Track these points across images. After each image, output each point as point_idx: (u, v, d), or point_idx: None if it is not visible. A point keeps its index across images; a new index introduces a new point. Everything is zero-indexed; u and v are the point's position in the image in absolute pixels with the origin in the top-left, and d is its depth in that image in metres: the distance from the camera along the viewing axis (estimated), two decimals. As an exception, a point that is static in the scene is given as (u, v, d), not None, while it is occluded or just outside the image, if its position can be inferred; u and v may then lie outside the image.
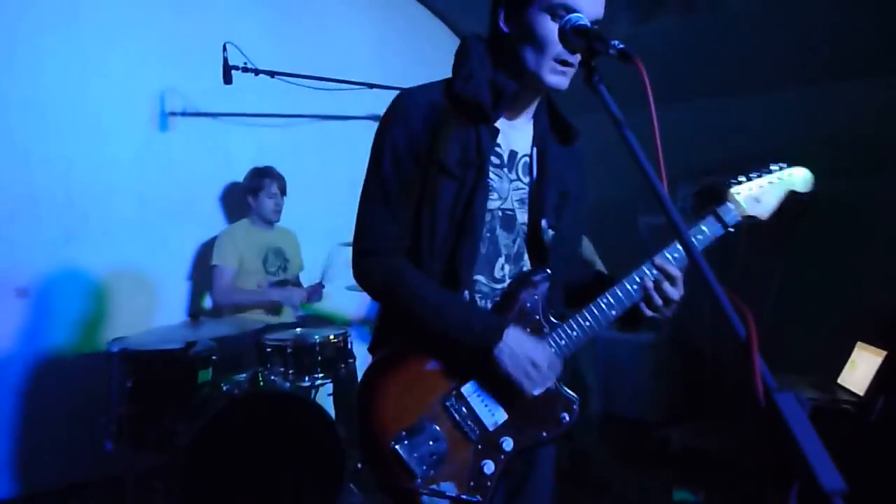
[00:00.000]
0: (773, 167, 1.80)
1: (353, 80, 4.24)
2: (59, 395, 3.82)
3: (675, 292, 1.61)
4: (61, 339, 3.90)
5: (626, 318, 1.68)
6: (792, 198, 1.81)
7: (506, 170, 1.68)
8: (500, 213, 1.67)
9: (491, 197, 1.64)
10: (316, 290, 4.10)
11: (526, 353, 1.57)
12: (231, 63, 3.82)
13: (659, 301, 1.62)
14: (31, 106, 3.77)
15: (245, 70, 3.87)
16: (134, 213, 4.11)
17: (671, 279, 1.61)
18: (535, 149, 1.73)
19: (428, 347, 1.63)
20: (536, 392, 1.60)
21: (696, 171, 4.76)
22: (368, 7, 5.10)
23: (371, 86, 4.09)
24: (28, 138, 3.78)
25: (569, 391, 1.68)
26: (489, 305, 1.67)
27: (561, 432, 1.67)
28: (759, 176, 1.78)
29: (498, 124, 1.65)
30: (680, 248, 1.65)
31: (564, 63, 1.55)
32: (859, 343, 3.71)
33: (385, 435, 1.59)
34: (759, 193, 1.76)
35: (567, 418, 1.66)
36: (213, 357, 3.28)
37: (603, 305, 1.65)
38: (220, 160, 4.41)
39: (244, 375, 3.28)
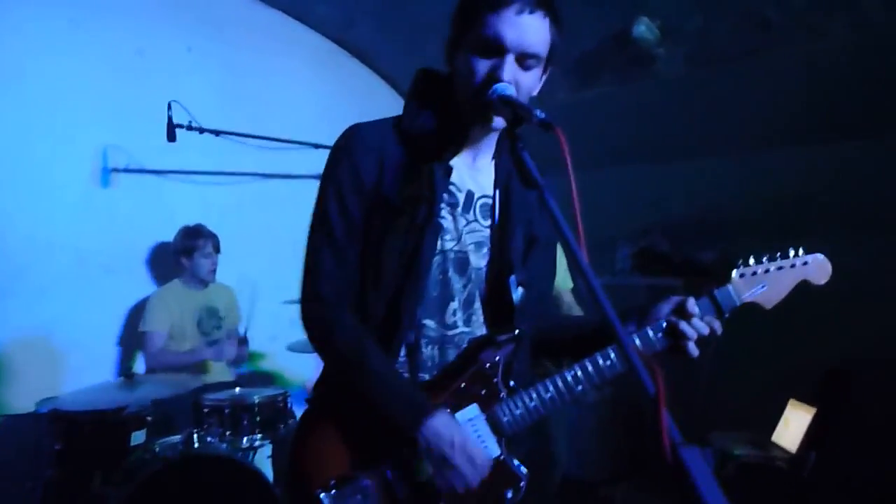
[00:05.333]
0: (789, 251, 1.67)
1: (298, 139, 4.28)
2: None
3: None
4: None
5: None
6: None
7: (460, 209, 1.58)
8: (452, 255, 1.57)
9: (444, 237, 1.55)
10: (241, 345, 4.11)
11: (453, 441, 1.44)
12: (175, 121, 3.83)
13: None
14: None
15: (190, 128, 3.89)
16: (72, 268, 4.02)
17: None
18: (497, 191, 1.63)
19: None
20: (465, 482, 1.45)
21: (635, 233, 4.92)
22: (315, 67, 5.18)
23: (316, 146, 4.13)
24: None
25: (518, 464, 1.54)
26: (436, 351, 1.56)
27: None
28: (771, 260, 1.66)
29: (454, 163, 1.56)
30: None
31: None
32: (791, 400, 3.82)
33: (313, 480, 1.47)
34: (766, 279, 1.64)
35: (510, 495, 1.52)
36: (148, 418, 3.20)
37: (570, 379, 1.52)
38: (163, 217, 4.36)
39: (179, 437, 3.17)
